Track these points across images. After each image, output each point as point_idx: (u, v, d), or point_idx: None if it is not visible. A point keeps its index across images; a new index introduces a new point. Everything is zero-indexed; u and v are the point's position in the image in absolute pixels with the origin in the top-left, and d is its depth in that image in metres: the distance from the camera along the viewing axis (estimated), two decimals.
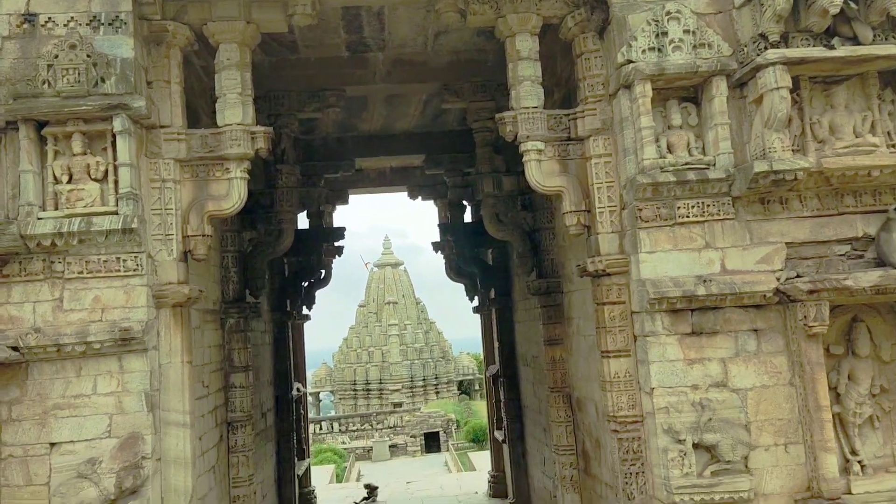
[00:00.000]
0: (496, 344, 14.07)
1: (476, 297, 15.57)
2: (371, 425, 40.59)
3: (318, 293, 15.32)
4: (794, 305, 6.21)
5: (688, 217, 6.37)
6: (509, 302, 12.68)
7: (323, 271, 14.83)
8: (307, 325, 15.60)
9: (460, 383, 51.81)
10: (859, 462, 6.27)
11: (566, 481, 8.92)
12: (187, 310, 6.64)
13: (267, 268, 9.78)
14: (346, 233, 15.12)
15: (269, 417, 11.72)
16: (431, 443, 36.26)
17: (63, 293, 6.14)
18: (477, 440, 32.41)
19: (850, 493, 6.10)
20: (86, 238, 6.06)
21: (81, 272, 6.14)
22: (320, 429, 39.45)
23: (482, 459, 21.44)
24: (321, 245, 13.11)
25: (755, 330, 6.36)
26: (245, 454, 8.76)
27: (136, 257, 6.19)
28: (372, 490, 16.00)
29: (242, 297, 9.00)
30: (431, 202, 15.99)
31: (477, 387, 53.07)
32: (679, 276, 6.31)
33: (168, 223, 6.52)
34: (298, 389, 13.62)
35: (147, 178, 6.48)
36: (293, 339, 13.73)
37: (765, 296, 6.24)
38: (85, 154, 6.19)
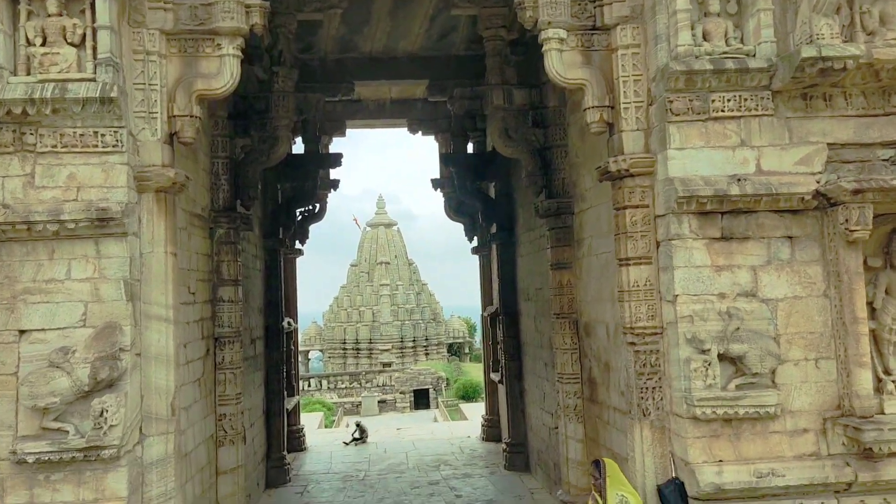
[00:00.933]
0: (495, 284, 13.61)
1: (475, 238, 15.08)
2: (360, 384, 40.29)
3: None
4: (833, 210, 5.72)
5: (723, 111, 5.84)
6: (511, 236, 12.17)
7: (318, 205, 14.31)
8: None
9: (450, 346, 51.59)
10: (893, 382, 5.83)
11: (570, 410, 8.50)
12: (172, 197, 6.08)
13: (259, 179, 9.20)
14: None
15: (259, 346, 11.23)
16: (420, 399, 36.06)
17: (35, 168, 5.57)
18: (467, 397, 32.17)
19: (882, 412, 5.67)
20: (60, 107, 5.48)
21: (55, 146, 5.57)
22: (309, 386, 39.11)
23: (474, 410, 21.15)
24: (316, 171, 12.52)
25: (789, 237, 5.88)
26: (233, 371, 8.28)
27: (115, 133, 5.61)
28: (363, 430, 15.63)
29: (233, 207, 8.45)
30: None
31: (467, 350, 52.95)
32: (710, 175, 5.80)
33: (152, 100, 5.94)
34: (289, 323, 13.14)
35: (129, 48, 5.87)
36: (285, 272, 13.23)
37: (803, 198, 5.75)
38: (61, 15, 5.59)
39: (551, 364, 9.52)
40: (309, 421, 19.27)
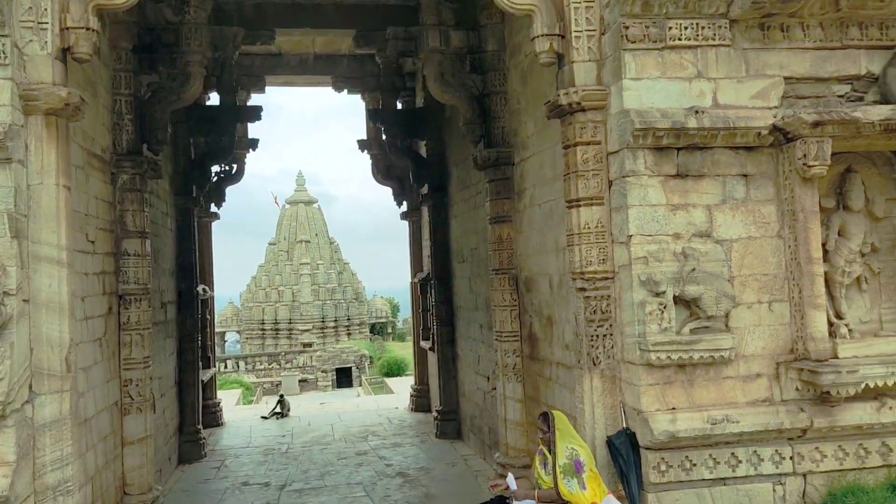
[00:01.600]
0: (426, 248, 13.11)
1: (405, 202, 14.51)
2: (279, 364, 39.10)
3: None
4: (790, 146, 5.48)
5: (680, 40, 5.50)
6: (444, 196, 11.67)
7: (234, 165, 13.42)
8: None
9: (373, 326, 50.84)
10: (846, 325, 5.67)
11: (508, 370, 8.12)
12: (65, 123, 5.26)
13: (169, 122, 8.31)
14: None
15: (171, 311, 10.37)
16: (343, 378, 35.31)
17: None
18: (391, 374, 31.64)
19: (836, 356, 5.48)
20: None
21: None
22: (226, 367, 37.64)
23: (400, 385, 20.67)
24: (233, 126, 11.62)
25: (745, 175, 5.61)
26: (140, 333, 7.47)
27: None
28: (284, 404, 14.88)
29: (139, 151, 7.58)
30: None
31: (390, 329, 52.34)
32: (667, 107, 5.46)
33: (42, 8, 5.10)
34: (205, 290, 12.25)
35: None
36: (200, 236, 12.32)
37: (759, 134, 5.48)
38: None
39: (488, 325, 9.12)
40: (226, 398, 18.27)
